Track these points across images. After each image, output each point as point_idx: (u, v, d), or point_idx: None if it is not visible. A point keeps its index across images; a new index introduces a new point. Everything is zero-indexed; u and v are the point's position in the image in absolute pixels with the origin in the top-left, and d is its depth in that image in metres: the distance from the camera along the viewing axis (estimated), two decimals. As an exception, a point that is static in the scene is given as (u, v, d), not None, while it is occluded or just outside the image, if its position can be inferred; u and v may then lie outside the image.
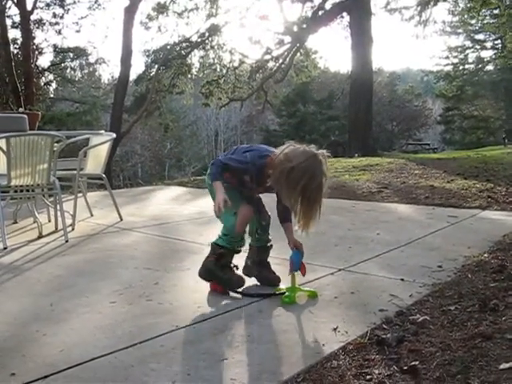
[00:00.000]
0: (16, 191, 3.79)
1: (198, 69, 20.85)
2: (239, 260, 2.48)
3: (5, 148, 3.43)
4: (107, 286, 2.53)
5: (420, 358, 1.67)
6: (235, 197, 2.28)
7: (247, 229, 2.44)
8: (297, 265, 2.33)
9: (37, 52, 19.33)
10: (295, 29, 17.96)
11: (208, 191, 2.47)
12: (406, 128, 33.53)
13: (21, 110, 5.93)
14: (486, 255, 2.94)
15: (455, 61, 32.21)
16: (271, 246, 2.54)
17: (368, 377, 1.57)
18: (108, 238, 3.80)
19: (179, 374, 1.62)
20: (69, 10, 19.88)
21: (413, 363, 1.62)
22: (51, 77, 23.58)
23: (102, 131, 5.22)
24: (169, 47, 19.36)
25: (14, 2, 17.17)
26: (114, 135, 4.70)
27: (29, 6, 17.28)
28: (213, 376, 1.61)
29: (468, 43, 31.54)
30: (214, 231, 2.46)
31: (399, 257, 3.05)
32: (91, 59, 24.74)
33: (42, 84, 21.56)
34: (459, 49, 31.82)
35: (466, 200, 5.17)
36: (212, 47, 19.54)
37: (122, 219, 4.42)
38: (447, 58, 32.41)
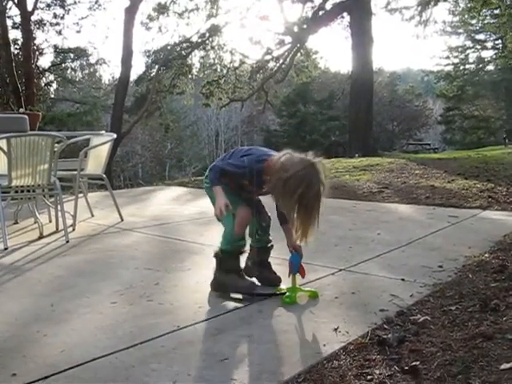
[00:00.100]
0: (17, 192, 3.79)
1: (199, 69, 20.86)
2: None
3: (5, 148, 3.44)
4: (108, 287, 2.53)
5: (421, 358, 1.67)
6: (234, 200, 2.28)
7: (247, 230, 2.43)
8: (296, 267, 2.33)
9: (37, 52, 19.36)
10: (296, 29, 17.96)
11: (207, 195, 2.47)
12: (407, 128, 33.52)
13: (21, 110, 5.93)
14: (486, 255, 2.94)
15: (456, 61, 32.20)
16: (272, 246, 2.54)
17: (369, 377, 1.57)
18: (109, 238, 3.80)
19: (180, 374, 1.62)
20: (69, 10, 19.95)
21: (414, 363, 1.62)
22: (52, 77, 23.64)
23: (103, 132, 5.22)
24: (169, 47, 19.36)
25: (14, 3, 17.19)
26: (115, 135, 4.70)
27: (29, 7, 17.31)
28: (213, 376, 1.61)
29: (468, 43, 31.55)
30: (215, 232, 2.46)
31: (400, 257, 3.05)
32: (92, 60, 24.84)
33: (43, 84, 21.58)
34: (460, 49, 31.81)
35: (466, 200, 5.16)
36: (212, 47, 19.54)
37: (122, 219, 4.43)
38: (448, 57, 32.42)
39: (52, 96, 24.75)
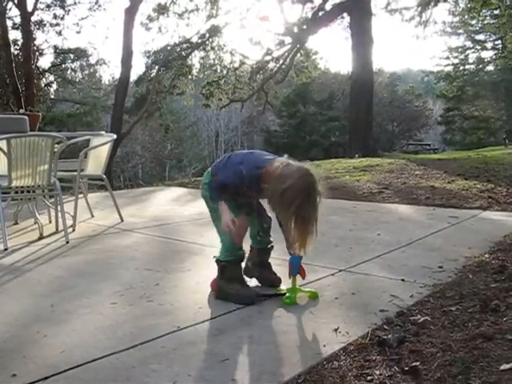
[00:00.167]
0: (17, 192, 3.79)
1: (199, 70, 20.86)
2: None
3: (5, 149, 3.44)
4: (108, 287, 2.53)
5: (421, 359, 1.67)
6: (231, 208, 2.27)
7: (247, 233, 2.43)
8: (296, 268, 2.33)
9: (37, 53, 19.37)
10: (295, 30, 17.97)
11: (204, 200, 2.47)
12: (407, 128, 33.53)
13: (21, 111, 5.93)
14: (486, 256, 2.94)
15: (456, 61, 32.21)
16: (272, 247, 2.54)
17: (369, 377, 1.57)
18: (109, 238, 3.80)
19: (180, 375, 1.62)
20: (69, 11, 19.95)
21: (414, 364, 1.62)
22: (52, 78, 23.65)
23: (103, 132, 5.22)
24: (169, 48, 19.36)
25: (14, 4, 17.20)
26: (115, 136, 4.71)
27: (29, 7, 17.32)
28: (213, 376, 1.61)
29: (468, 44, 31.56)
30: (215, 232, 2.46)
31: (400, 257, 3.05)
32: (92, 60, 24.85)
33: (43, 85, 21.60)
34: (460, 49, 31.82)
35: (466, 200, 5.16)
36: (212, 48, 19.55)
37: (122, 220, 4.43)
38: (447, 58, 32.43)
39: (52, 97, 24.77)
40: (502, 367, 1.57)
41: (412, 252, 3.18)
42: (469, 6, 18.86)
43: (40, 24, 19.38)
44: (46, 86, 22.48)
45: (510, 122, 30.40)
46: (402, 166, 8.53)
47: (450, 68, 32.36)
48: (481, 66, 31.68)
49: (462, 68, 32.14)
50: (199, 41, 19.07)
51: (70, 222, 4.04)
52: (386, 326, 1.97)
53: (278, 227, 2.42)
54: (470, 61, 32.08)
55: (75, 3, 20.08)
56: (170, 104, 25.95)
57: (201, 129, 39.41)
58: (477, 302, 2.14)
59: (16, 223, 4.30)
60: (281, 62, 18.67)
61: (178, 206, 5.66)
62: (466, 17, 22.93)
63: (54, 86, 25.86)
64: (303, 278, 2.37)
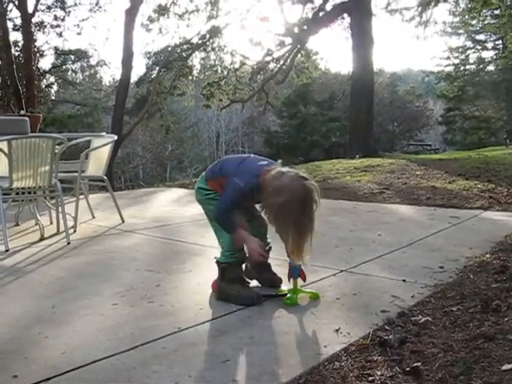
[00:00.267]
0: (18, 193, 3.80)
1: (199, 70, 20.87)
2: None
3: (6, 150, 3.44)
4: (109, 288, 2.53)
5: (422, 359, 1.67)
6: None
7: None
8: (296, 271, 2.33)
9: (38, 54, 19.38)
10: (296, 30, 17.96)
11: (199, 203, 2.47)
12: (407, 129, 33.50)
13: (22, 112, 5.95)
14: (487, 256, 2.94)
15: (456, 61, 32.19)
16: (270, 248, 2.53)
17: (370, 378, 1.57)
18: (110, 239, 3.81)
19: (181, 376, 1.62)
20: (70, 12, 19.99)
21: (415, 364, 1.62)
22: (52, 79, 23.68)
23: (104, 133, 5.22)
24: (170, 49, 19.37)
25: (15, 5, 17.23)
26: (116, 137, 4.71)
27: (30, 9, 17.33)
28: (214, 377, 1.61)
29: (469, 44, 31.53)
30: (216, 233, 2.46)
31: (401, 258, 3.05)
32: (92, 61, 24.86)
33: (44, 86, 21.60)
34: (460, 49, 31.79)
35: (467, 201, 5.16)
36: (213, 49, 19.55)
37: (123, 221, 4.43)
38: (448, 58, 32.40)
39: (53, 98, 24.77)
40: (504, 367, 1.57)
41: (413, 252, 3.17)
42: (469, 6, 18.85)
43: (41, 25, 19.40)
44: (46, 87, 22.49)
45: (511, 122, 30.37)
46: (403, 166, 8.52)
47: (450, 68, 32.35)
48: (481, 66, 31.65)
49: (462, 68, 32.11)
50: (200, 42, 19.08)
51: (71, 223, 4.04)
52: (387, 327, 1.96)
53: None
54: (471, 61, 32.07)
55: (76, 4, 20.15)
56: (170, 105, 25.99)
57: (201, 129, 39.44)
58: (478, 303, 2.14)
59: (17, 224, 4.30)
60: (281, 62, 18.67)
61: (178, 206, 5.66)
62: (467, 17, 22.91)
63: (55, 87, 25.92)
64: (304, 280, 2.36)
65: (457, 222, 4.15)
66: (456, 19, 25.79)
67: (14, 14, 18.02)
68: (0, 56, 16.51)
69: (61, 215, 3.80)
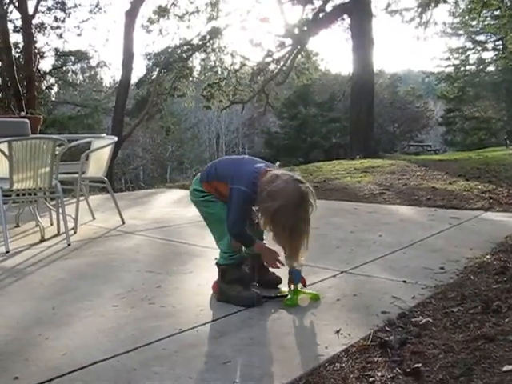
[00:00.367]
0: (18, 195, 3.80)
1: (199, 71, 20.93)
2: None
3: (7, 152, 3.44)
4: (110, 290, 2.53)
5: (423, 360, 1.67)
6: (223, 211, 2.25)
7: None
8: (297, 277, 2.32)
9: (38, 56, 19.39)
10: (296, 31, 17.98)
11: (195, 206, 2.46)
12: (408, 129, 33.49)
13: (22, 113, 5.96)
14: (488, 257, 2.94)
15: (456, 62, 32.20)
16: None
17: (371, 379, 1.57)
18: (110, 241, 3.81)
19: (182, 377, 1.62)
20: (70, 13, 20.01)
21: (416, 365, 1.62)
22: (53, 80, 23.71)
23: (104, 134, 5.23)
24: (170, 50, 19.42)
25: (15, 7, 17.24)
26: (116, 138, 4.72)
27: (30, 11, 17.35)
28: (215, 379, 1.61)
29: (469, 44, 31.54)
30: (216, 234, 2.46)
31: (401, 259, 3.05)
32: (92, 63, 24.88)
33: (44, 88, 21.63)
34: (460, 50, 31.81)
35: (467, 201, 5.16)
36: (213, 50, 19.59)
37: (124, 222, 4.43)
38: (448, 59, 32.42)
39: (53, 99, 24.80)
40: (505, 368, 1.57)
41: (413, 253, 3.17)
42: (469, 6, 18.88)
43: (41, 27, 19.44)
44: (47, 88, 22.52)
45: (511, 122, 30.36)
46: (403, 167, 8.52)
47: (450, 69, 32.36)
48: (481, 66, 31.66)
49: (462, 69, 32.12)
50: (200, 43, 19.12)
51: (72, 224, 4.04)
52: (387, 328, 1.96)
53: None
54: (471, 62, 32.09)
55: (76, 6, 20.19)
56: (170, 106, 26.00)
57: (202, 131, 39.47)
58: (478, 303, 2.13)
59: (17, 226, 4.31)
60: (281, 63, 18.69)
61: (179, 208, 5.66)
62: (467, 18, 22.95)
63: (55, 88, 25.95)
64: (304, 286, 2.36)
65: (457, 222, 4.15)
66: (456, 20, 25.85)
67: (15, 15, 18.12)
68: (0, 57, 16.51)
69: (61, 216, 3.80)
